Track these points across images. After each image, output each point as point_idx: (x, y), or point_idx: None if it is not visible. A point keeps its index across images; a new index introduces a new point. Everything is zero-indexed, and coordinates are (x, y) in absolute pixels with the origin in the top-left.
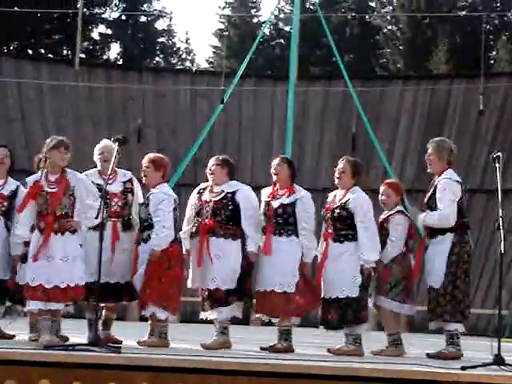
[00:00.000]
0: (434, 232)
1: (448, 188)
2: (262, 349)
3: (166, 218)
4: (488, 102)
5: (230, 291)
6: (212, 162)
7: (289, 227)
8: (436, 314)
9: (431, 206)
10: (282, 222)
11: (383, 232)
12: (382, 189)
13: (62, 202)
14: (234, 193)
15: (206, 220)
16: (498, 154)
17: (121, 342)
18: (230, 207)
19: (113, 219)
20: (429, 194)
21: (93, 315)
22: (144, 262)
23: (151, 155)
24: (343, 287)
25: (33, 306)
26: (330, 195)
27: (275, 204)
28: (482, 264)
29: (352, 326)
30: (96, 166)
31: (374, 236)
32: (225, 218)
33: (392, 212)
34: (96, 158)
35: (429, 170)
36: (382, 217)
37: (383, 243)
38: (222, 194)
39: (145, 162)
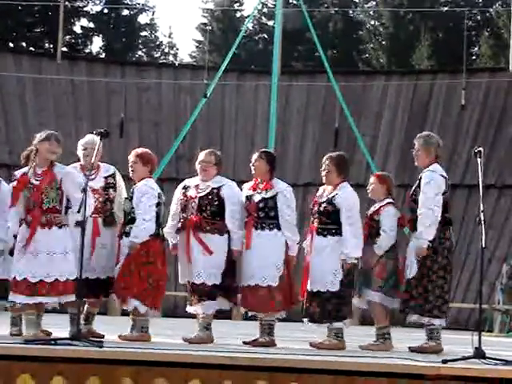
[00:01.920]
0: (415, 226)
1: (432, 181)
2: (244, 343)
3: (147, 211)
4: (470, 97)
5: (216, 286)
6: (203, 158)
7: (270, 221)
8: (410, 307)
9: (415, 198)
10: (264, 215)
11: (373, 224)
12: (370, 180)
13: (49, 195)
14: (219, 188)
15: (192, 216)
16: (480, 149)
17: (103, 337)
18: (215, 203)
19: (93, 215)
20: (414, 186)
21: (75, 310)
22: (125, 255)
23: (138, 150)
24: (325, 281)
25: (18, 300)
26: (320, 189)
27: (256, 198)
28: (464, 258)
29: (333, 321)
30: (79, 161)
31: (358, 233)
32: (210, 214)
33: (382, 204)
34: (79, 152)
35: (416, 164)
36: (372, 209)
37: (374, 235)
38: (208, 190)
39: (132, 156)
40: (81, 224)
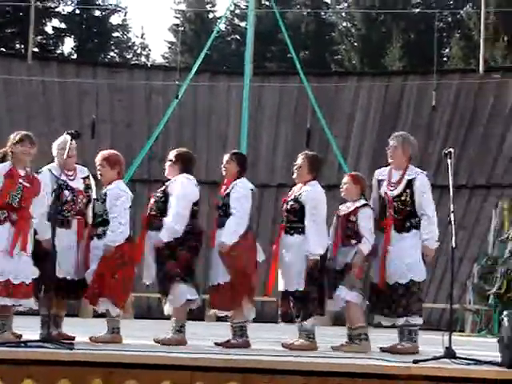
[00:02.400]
0: (400, 228)
1: (429, 184)
2: (216, 344)
3: (122, 215)
4: (441, 98)
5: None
6: (168, 156)
7: (227, 218)
8: (403, 310)
9: (404, 200)
10: (223, 214)
11: (348, 225)
12: (344, 180)
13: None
14: (168, 185)
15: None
16: (450, 149)
17: (73, 339)
18: (162, 199)
19: (78, 217)
20: (400, 187)
21: (46, 311)
22: (97, 257)
23: (105, 152)
24: (293, 281)
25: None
26: (292, 190)
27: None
28: (435, 259)
29: (301, 319)
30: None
31: (322, 230)
32: (158, 211)
33: (358, 205)
34: (55, 153)
35: (390, 162)
36: (346, 209)
37: (350, 236)
38: (162, 187)
39: (99, 159)
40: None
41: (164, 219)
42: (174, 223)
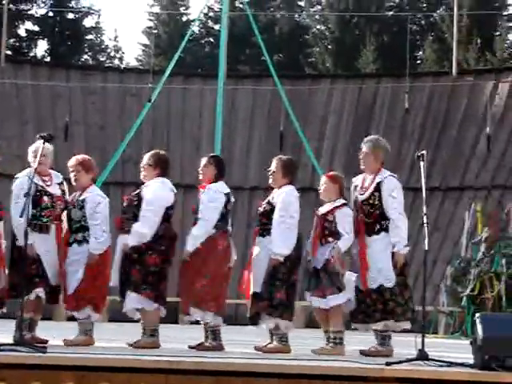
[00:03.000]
0: (370, 232)
1: (398, 186)
2: (190, 347)
3: (104, 222)
4: (414, 100)
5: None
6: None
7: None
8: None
9: (373, 203)
10: (197, 218)
11: (326, 225)
12: (321, 181)
13: None
14: (142, 189)
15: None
16: (423, 152)
17: (46, 342)
18: (135, 203)
19: (56, 222)
20: (369, 190)
21: (26, 315)
22: (79, 263)
23: (79, 157)
24: (259, 281)
25: None
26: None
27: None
28: (409, 261)
29: (264, 320)
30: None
31: (289, 231)
32: (131, 214)
33: (337, 204)
34: (31, 159)
35: (363, 168)
36: (324, 209)
37: (328, 235)
38: (137, 191)
39: (73, 164)
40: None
41: (134, 223)
42: (142, 227)
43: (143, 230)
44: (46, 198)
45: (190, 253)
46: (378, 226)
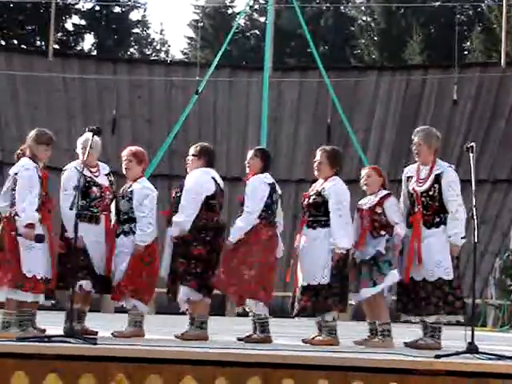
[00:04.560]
0: (429, 224)
1: (456, 178)
2: (239, 339)
3: (151, 214)
4: (462, 92)
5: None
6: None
7: None
8: (434, 308)
9: (432, 195)
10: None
11: (375, 218)
12: (363, 172)
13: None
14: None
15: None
16: (472, 144)
17: (96, 334)
18: (178, 194)
19: (105, 213)
20: (428, 182)
21: (75, 306)
22: (125, 254)
23: (133, 148)
24: (316, 274)
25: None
26: (313, 186)
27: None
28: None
29: (321, 313)
30: (77, 158)
31: (347, 223)
32: (177, 206)
33: (382, 195)
34: (79, 151)
35: (417, 160)
36: (370, 202)
37: (378, 228)
38: (182, 183)
39: (126, 154)
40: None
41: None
42: (179, 216)
43: (180, 218)
44: (95, 189)
45: (233, 244)
46: (438, 219)
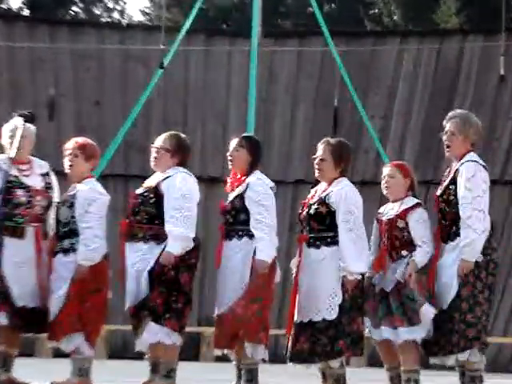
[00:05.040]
0: (445, 237)
1: (477, 174)
2: None
3: (97, 225)
4: (511, 65)
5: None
6: (157, 142)
7: (239, 227)
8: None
9: (448, 199)
10: (233, 221)
11: (396, 234)
12: (385, 171)
13: None
14: (162, 182)
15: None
16: None
17: None
18: (151, 201)
19: (34, 224)
20: (445, 183)
21: None
22: (65, 279)
23: (80, 140)
24: (319, 307)
25: None
26: (312, 191)
27: (228, 199)
28: (504, 278)
29: (326, 358)
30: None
31: (360, 240)
32: (146, 216)
33: (408, 205)
34: (5, 141)
35: (447, 152)
36: (390, 212)
37: (400, 247)
38: (153, 184)
39: (71, 147)
40: None
41: (168, 227)
42: (186, 229)
43: (189, 232)
44: (20, 192)
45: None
46: (454, 229)
